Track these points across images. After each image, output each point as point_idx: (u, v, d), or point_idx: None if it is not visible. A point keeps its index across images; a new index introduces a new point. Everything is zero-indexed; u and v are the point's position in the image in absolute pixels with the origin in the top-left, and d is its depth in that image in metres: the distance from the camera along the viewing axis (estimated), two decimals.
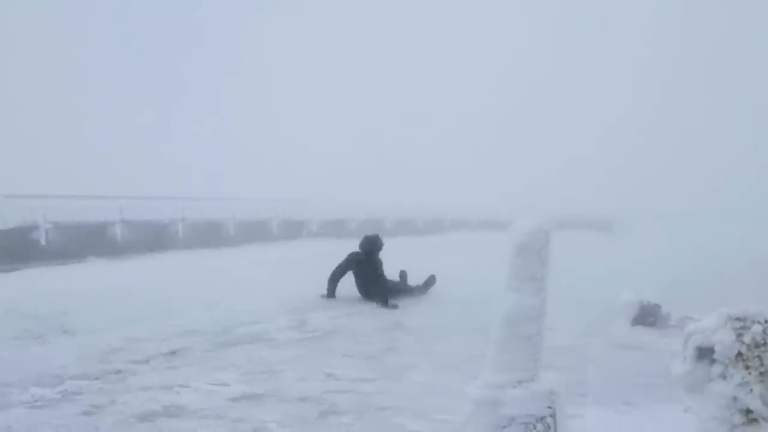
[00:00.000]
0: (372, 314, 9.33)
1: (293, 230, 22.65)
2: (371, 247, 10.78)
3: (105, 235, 15.58)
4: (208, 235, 18.93)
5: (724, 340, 2.52)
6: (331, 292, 10.55)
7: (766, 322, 2.49)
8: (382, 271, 10.61)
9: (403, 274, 11.07)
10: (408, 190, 36.39)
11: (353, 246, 11.02)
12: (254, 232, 20.76)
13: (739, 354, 2.50)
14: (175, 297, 9.75)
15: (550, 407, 3.03)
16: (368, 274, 10.55)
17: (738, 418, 2.49)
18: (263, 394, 5.39)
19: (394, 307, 9.92)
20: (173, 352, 6.78)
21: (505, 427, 2.98)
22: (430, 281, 11.14)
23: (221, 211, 20.16)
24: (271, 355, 6.74)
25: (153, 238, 16.91)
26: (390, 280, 10.73)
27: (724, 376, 2.55)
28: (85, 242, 14.65)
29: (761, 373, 2.48)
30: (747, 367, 2.49)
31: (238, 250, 17.76)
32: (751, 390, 2.48)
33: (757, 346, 2.48)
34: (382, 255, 10.89)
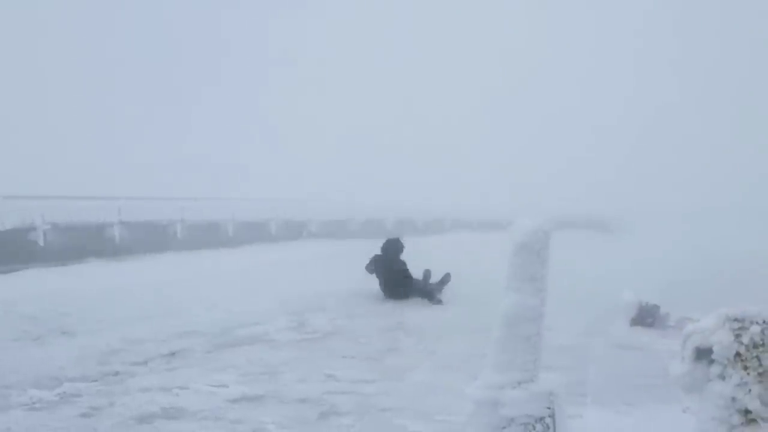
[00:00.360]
0: (372, 315, 9.33)
1: (293, 231, 22.66)
2: (393, 249, 11.23)
3: (103, 236, 15.57)
4: (207, 236, 18.94)
5: (722, 341, 2.52)
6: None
7: (764, 322, 2.50)
8: (408, 271, 11.04)
9: (427, 273, 11.27)
10: (410, 189, 36.55)
11: (354, 247, 11.15)
12: (253, 233, 20.77)
13: (738, 354, 2.51)
14: (174, 298, 9.75)
15: (549, 408, 3.03)
16: (391, 275, 10.94)
17: (736, 419, 2.50)
18: (263, 395, 5.40)
19: (439, 302, 10.52)
20: (172, 354, 6.78)
21: (504, 427, 2.98)
22: (446, 279, 11.26)
23: (220, 211, 20.19)
24: (271, 357, 6.74)
25: (152, 239, 16.92)
26: (415, 279, 11.06)
27: (722, 377, 2.55)
28: (83, 243, 14.65)
29: (759, 374, 2.48)
30: (745, 368, 2.49)
31: (238, 250, 17.76)
32: (750, 390, 2.48)
33: (755, 346, 2.48)
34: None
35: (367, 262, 11.14)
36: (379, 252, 11.23)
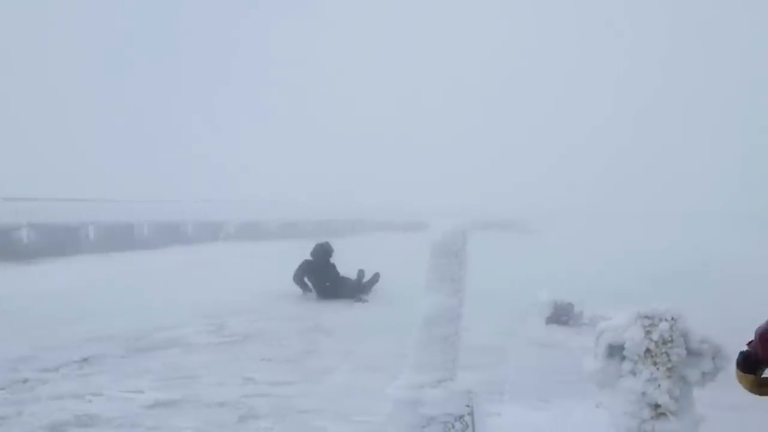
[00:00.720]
0: (292, 316, 9.25)
1: (210, 232, 22.39)
2: (323, 253, 11.30)
3: (10, 239, 15.02)
4: (121, 238, 18.53)
5: (633, 338, 2.60)
6: (306, 288, 11.12)
7: (672, 319, 2.58)
8: (337, 272, 11.19)
9: (360, 273, 11.37)
10: (403, 189, 37.30)
11: (272, 249, 11.03)
12: (169, 235, 20.43)
13: (648, 351, 2.59)
14: (87, 302, 9.46)
15: (468, 405, 3.07)
16: (322, 278, 11.08)
17: (647, 413, 2.58)
18: (180, 400, 5.28)
19: (365, 300, 10.79)
20: (85, 360, 6.56)
21: (424, 426, 3.00)
22: (375, 278, 11.35)
23: (136, 213, 19.79)
24: (188, 361, 6.61)
25: (63, 242, 16.45)
26: (347, 278, 11.20)
27: (633, 372, 2.63)
28: None
29: (668, 369, 2.57)
30: (655, 363, 2.58)
31: (153, 252, 17.39)
32: (659, 385, 2.56)
33: (664, 342, 2.57)
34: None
35: (296, 269, 11.11)
36: (301, 256, 11.19)
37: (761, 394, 2.40)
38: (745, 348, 2.37)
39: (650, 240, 26.50)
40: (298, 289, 10.95)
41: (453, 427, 3.02)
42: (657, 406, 2.58)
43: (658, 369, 2.58)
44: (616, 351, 2.69)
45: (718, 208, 43.99)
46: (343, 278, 11.14)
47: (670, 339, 2.57)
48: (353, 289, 11.01)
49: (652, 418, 2.58)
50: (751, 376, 2.37)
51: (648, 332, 2.60)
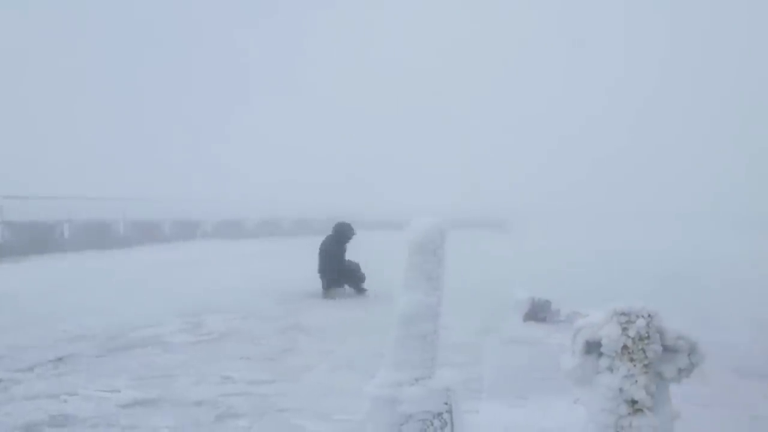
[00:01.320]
0: (270, 315, 9.21)
1: (187, 231, 22.29)
2: (342, 232, 11.27)
3: None
4: (98, 236, 18.38)
5: (610, 334, 2.62)
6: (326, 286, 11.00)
7: (649, 316, 2.61)
8: (344, 255, 11.16)
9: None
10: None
11: (250, 246, 10.94)
12: (146, 233, 20.31)
13: (625, 347, 2.61)
14: (63, 301, 9.37)
15: (446, 403, 3.07)
16: (332, 259, 11.00)
17: (624, 409, 2.60)
18: (156, 399, 5.24)
19: (363, 291, 10.89)
20: (60, 359, 6.49)
21: (402, 424, 3.00)
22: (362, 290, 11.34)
23: (112, 211, 19.64)
24: (165, 360, 6.56)
25: (37, 240, 16.27)
26: (352, 269, 11.17)
27: (610, 369, 2.65)
28: None
29: (645, 365, 2.59)
30: (632, 360, 2.60)
31: (130, 251, 17.27)
32: (636, 381, 2.58)
33: (641, 339, 2.59)
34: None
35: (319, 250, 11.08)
36: (282, 253, 11.13)
37: None
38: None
39: (637, 240, 26.74)
40: (276, 288, 10.86)
41: (431, 425, 3.02)
42: (634, 402, 2.60)
43: (634, 365, 2.60)
44: (593, 348, 2.71)
45: (712, 209, 44.53)
46: (351, 267, 11.13)
47: (646, 335, 2.60)
48: (355, 280, 11.03)
49: (629, 414, 2.60)
50: None
51: (625, 329, 2.62)
